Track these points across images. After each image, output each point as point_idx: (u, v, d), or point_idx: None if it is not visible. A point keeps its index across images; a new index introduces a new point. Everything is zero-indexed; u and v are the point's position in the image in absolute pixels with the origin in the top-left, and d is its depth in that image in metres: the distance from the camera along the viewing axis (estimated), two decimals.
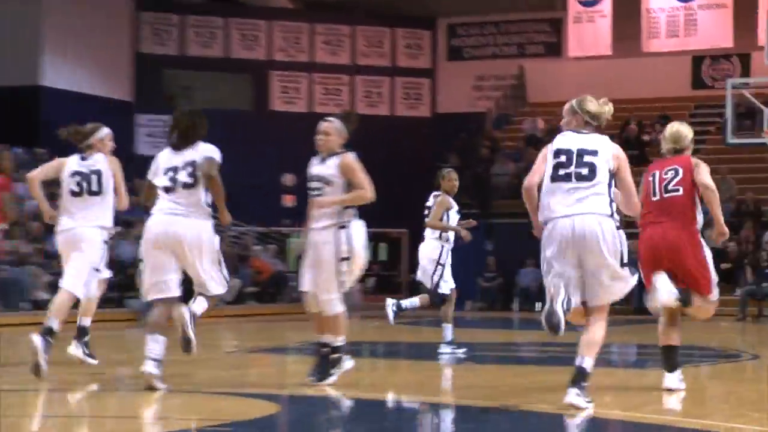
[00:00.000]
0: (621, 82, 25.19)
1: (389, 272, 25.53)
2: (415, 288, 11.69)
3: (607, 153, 5.90)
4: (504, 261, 23.11)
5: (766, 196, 23.70)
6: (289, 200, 25.15)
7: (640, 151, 23.96)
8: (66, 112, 20.42)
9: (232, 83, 26.67)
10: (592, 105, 6.06)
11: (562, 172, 5.82)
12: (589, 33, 26.56)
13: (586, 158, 5.83)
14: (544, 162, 5.92)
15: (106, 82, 24.80)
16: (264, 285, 21.41)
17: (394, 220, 21.54)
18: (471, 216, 12.91)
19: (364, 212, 7.25)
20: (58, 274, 8.43)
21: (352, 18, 27.58)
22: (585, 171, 5.83)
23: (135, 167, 13.79)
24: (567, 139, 5.96)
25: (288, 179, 25.06)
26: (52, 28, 23.39)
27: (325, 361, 6.74)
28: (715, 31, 25.35)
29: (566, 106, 6.30)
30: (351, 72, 26.77)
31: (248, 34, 26.40)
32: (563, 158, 5.86)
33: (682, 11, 25.45)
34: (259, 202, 23.50)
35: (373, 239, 17.01)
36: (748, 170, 24.22)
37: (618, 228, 5.84)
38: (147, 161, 7.23)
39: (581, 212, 5.75)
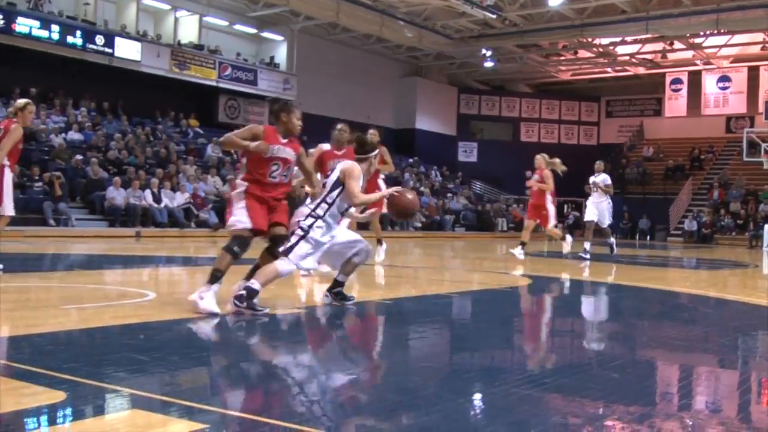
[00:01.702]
0: (690, 129, 42.18)
1: None
2: None
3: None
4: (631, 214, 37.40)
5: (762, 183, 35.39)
6: None
7: (699, 165, 40.26)
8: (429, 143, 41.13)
9: (502, 128, 45.69)
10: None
11: None
12: (676, 104, 43.25)
13: None
14: None
15: (445, 126, 43.81)
16: None
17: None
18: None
19: None
20: None
21: (560, 96, 46.13)
22: None
23: None
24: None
25: None
26: (421, 103, 42.58)
27: None
28: (738, 104, 41.40)
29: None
30: (557, 123, 45.57)
31: (510, 104, 45.70)
32: None
33: (721, 95, 41.75)
34: None
35: None
36: (758, 172, 35.57)
37: None
38: None
39: None
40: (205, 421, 3.23)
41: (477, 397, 4.07)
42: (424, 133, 41.26)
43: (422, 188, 33.64)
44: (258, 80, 33.11)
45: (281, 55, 34.78)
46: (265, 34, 34.61)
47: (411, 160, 38.47)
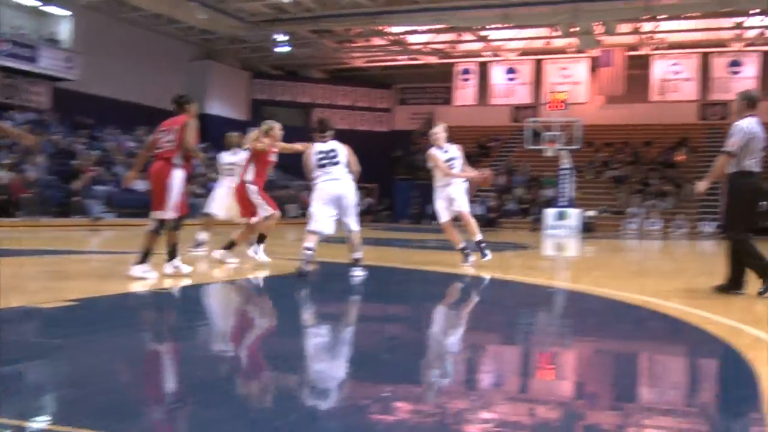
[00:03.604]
0: (478, 118, 44.40)
1: None
2: None
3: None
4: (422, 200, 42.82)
5: (544, 170, 43.29)
6: None
7: (487, 152, 44.75)
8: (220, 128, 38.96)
9: (295, 113, 44.74)
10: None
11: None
12: (465, 93, 44.80)
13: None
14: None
15: (236, 110, 42.79)
16: None
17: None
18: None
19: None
20: None
21: (353, 83, 46.54)
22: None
23: None
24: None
25: None
26: (212, 87, 41.45)
27: None
28: (523, 95, 44.54)
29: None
30: (350, 109, 45.71)
31: (303, 90, 45.69)
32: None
33: (508, 85, 44.51)
34: None
35: None
36: (540, 159, 40.13)
37: None
38: None
39: None
40: None
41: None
42: (215, 118, 39.94)
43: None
44: (38, 58, 30.96)
45: (65, 31, 32.65)
46: (48, 8, 32.29)
47: (202, 146, 37.15)
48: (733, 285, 8.23)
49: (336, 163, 9.21)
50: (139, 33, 36.56)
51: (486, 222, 34.97)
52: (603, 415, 3.70)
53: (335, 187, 9.14)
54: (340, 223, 9.45)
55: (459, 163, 10.82)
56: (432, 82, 46.28)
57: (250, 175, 10.23)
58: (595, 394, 4.23)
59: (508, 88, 44.18)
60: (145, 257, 8.19)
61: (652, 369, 5.04)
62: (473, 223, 11.00)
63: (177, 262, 8.67)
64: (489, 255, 10.78)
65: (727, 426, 3.55)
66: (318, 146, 9.34)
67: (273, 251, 11.17)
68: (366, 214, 32.94)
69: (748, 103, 8.20)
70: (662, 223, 33.11)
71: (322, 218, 9.03)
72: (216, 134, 38.54)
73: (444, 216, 11.01)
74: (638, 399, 4.04)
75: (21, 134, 9.19)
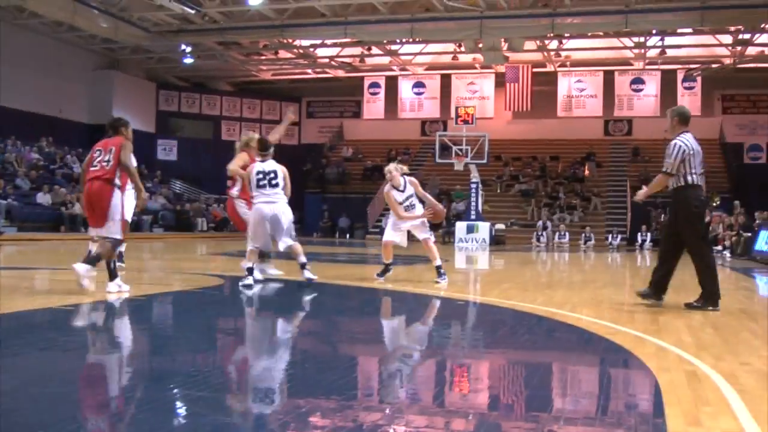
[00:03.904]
0: (387, 131, 44.49)
1: None
2: None
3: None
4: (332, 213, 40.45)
5: (454, 183, 41.83)
6: None
7: None
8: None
9: (203, 126, 44.81)
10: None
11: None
12: (374, 107, 44.60)
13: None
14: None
15: (142, 121, 40.97)
16: None
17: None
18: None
19: None
20: None
21: (261, 96, 46.22)
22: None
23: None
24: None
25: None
26: (117, 98, 40.00)
27: None
28: (432, 109, 44.62)
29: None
30: (258, 122, 44.40)
31: (211, 102, 45.25)
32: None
33: (416, 99, 44.15)
34: None
35: None
36: (450, 173, 39.16)
37: None
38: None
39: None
40: None
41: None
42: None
43: None
44: None
45: None
46: None
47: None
48: (708, 300, 8.17)
49: (275, 185, 9.48)
50: (40, 40, 35.55)
51: None
52: (517, 425, 3.72)
53: (271, 208, 9.43)
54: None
55: (415, 200, 10.75)
56: (340, 96, 46.30)
57: (235, 191, 10.49)
58: (506, 403, 4.24)
59: (417, 101, 44.45)
60: (113, 273, 8.39)
61: (562, 377, 5.10)
62: (434, 249, 10.89)
63: (117, 282, 8.50)
64: (443, 281, 10.62)
65: (632, 430, 3.58)
66: (258, 166, 9.55)
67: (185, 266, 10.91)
68: None
69: (680, 119, 8.29)
70: (570, 236, 33.67)
71: (260, 237, 9.44)
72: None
73: (389, 236, 10.87)
74: (550, 407, 4.04)
75: None
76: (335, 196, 40.10)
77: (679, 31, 35.44)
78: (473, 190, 32.07)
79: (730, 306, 8.47)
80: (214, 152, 40.84)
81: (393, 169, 10.69)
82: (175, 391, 4.22)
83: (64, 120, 37.47)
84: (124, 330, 6.95)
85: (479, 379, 4.96)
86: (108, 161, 8.28)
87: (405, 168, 10.90)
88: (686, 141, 8.05)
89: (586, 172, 39.95)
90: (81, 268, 8.18)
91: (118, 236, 8.40)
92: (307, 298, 9.48)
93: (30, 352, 5.22)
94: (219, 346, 6.10)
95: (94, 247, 9.24)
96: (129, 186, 9.95)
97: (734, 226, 26.97)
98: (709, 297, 8.11)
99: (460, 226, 31.60)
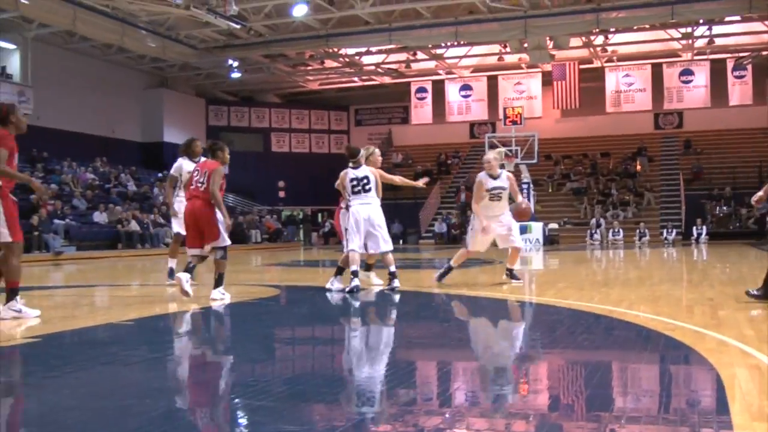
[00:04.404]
0: (436, 136, 44.99)
1: None
2: None
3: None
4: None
5: None
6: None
7: (447, 169, 44.65)
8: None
9: (253, 138, 45.33)
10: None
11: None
12: (422, 112, 44.70)
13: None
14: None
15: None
16: None
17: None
18: None
19: None
20: None
21: (309, 106, 46.55)
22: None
23: None
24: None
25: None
26: (168, 115, 41.23)
27: None
28: (480, 111, 44.63)
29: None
30: (307, 132, 45.78)
31: (260, 115, 45.72)
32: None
33: (464, 102, 45.32)
34: None
35: None
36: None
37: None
38: None
39: None
40: None
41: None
42: (173, 146, 39.55)
43: None
44: None
45: (14, 65, 32.44)
46: None
47: (160, 175, 36.75)
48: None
49: (368, 190, 10.07)
50: (91, 63, 36.32)
51: (449, 239, 35.16)
52: (578, 425, 3.67)
53: (366, 210, 9.97)
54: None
55: (504, 194, 10.62)
56: (388, 102, 46.43)
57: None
58: (567, 403, 4.18)
59: (464, 104, 44.30)
60: (219, 280, 9.15)
61: (622, 375, 5.02)
62: (517, 257, 11.13)
63: (220, 290, 9.34)
64: (517, 282, 10.71)
65: (697, 429, 3.53)
66: (351, 173, 10.13)
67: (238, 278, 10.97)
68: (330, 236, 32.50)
69: None
70: (624, 232, 33.35)
71: (357, 240, 9.86)
72: (174, 162, 38.48)
73: (476, 247, 10.96)
74: (611, 406, 4.00)
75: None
76: (387, 203, 39.20)
77: (727, 19, 34.92)
78: (525, 191, 31.81)
79: None
80: (264, 164, 41.25)
81: (492, 158, 10.64)
82: (237, 401, 4.25)
83: (117, 140, 38.13)
84: (184, 342, 7.01)
85: (538, 379, 4.92)
86: (202, 183, 9.18)
87: (505, 160, 10.84)
88: None
89: (638, 167, 39.55)
90: (184, 276, 8.98)
91: (228, 241, 9.21)
92: (361, 304, 9.49)
93: (93, 367, 5.30)
94: (279, 356, 6.07)
95: (193, 261, 9.32)
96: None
97: None
98: None
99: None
